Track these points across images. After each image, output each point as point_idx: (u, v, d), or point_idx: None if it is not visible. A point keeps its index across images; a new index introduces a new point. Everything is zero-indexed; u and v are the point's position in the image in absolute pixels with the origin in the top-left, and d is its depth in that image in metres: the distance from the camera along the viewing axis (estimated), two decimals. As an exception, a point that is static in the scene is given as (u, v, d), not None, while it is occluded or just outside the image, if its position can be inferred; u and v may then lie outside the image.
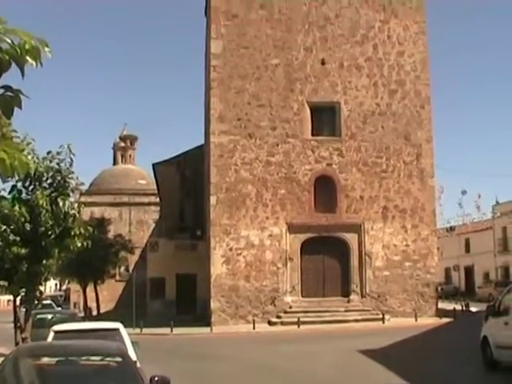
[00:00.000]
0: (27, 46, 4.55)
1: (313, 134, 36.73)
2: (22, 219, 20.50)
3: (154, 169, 50.41)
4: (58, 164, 21.81)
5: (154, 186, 58.14)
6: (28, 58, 4.60)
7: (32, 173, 19.88)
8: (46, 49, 4.74)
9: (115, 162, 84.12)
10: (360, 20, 37.79)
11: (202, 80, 46.19)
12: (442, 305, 39.65)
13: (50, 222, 21.34)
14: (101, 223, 50.01)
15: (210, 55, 37.17)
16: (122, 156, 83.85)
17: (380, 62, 37.61)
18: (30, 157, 21.05)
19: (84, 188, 28.78)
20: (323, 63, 37.02)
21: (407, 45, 38.02)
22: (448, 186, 72.72)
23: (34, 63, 4.67)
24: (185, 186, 48.13)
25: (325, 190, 36.17)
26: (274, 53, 36.88)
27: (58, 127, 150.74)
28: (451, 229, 71.05)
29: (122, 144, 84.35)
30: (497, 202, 68.89)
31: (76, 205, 22.59)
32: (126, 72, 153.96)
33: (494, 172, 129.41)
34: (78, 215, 22.45)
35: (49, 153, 21.94)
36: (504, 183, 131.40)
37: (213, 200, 35.73)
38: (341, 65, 37.17)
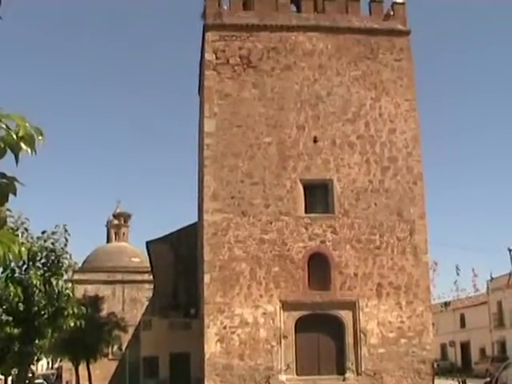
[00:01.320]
0: (21, 133, 4.61)
1: (306, 212, 36.83)
2: (16, 299, 20.41)
3: (147, 247, 50.35)
4: (52, 244, 21.84)
5: (148, 264, 57.96)
6: (23, 144, 4.66)
7: (26, 253, 19.83)
8: (40, 137, 4.80)
9: (109, 240, 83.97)
10: (351, 98, 38.28)
11: (195, 158, 46.52)
12: (439, 381, 39.31)
13: (44, 302, 21.27)
14: (94, 302, 49.68)
15: (204, 134, 37.50)
16: (115, 234, 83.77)
17: (372, 140, 37.95)
18: (23, 237, 21.10)
19: (77, 266, 28.75)
20: (315, 141, 37.37)
21: (398, 122, 38.42)
22: (442, 260, 72.68)
23: (29, 150, 4.73)
24: (178, 263, 48.04)
25: (318, 267, 36.11)
26: (267, 131, 37.26)
27: (51, 204, 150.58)
28: (446, 304, 70.84)
29: (116, 221, 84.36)
30: (491, 277, 68.75)
31: (69, 284, 22.54)
32: (119, 150, 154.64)
33: (487, 246, 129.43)
34: (71, 295, 22.38)
35: (43, 232, 22.00)
36: (497, 257, 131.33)
37: (206, 278, 35.59)
38: (333, 142, 37.51)
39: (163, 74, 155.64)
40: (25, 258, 18.95)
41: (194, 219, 46.64)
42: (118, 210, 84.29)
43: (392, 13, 39.92)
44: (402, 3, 40.26)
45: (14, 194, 4.82)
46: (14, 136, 4.58)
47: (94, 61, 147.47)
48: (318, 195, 37.48)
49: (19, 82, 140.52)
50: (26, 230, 21.00)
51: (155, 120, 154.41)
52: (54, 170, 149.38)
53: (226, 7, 39.35)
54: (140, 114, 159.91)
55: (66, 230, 21.85)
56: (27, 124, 4.68)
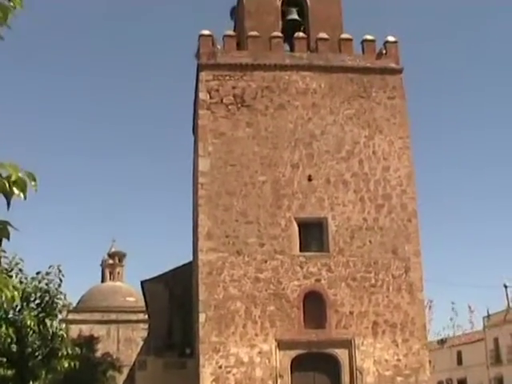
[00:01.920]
0: (14, 178, 4.63)
1: (301, 250, 36.79)
2: (9, 340, 20.30)
3: (142, 286, 50.15)
4: (46, 284, 21.79)
5: (143, 303, 57.74)
6: (15, 189, 4.69)
7: (19, 297, 19.78)
8: (33, 182, 4.82)
9: (103, 279, 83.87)
10: (345, 136, 38.43)
11: (189, 197, 46.51)
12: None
13: (37, 343, 21.18)
14: (89, 342, 49.38)
15: (198, 172, 37.56)
16: (110, 273, 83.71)
17: (366, 177, 38.03)
18: (17, 278, 21.07)
19: (72, 306, 28.62)
20: (310, 179, 37.45)
21: (392, 160, 38.54)
22: (438, 296, 72.60)
23: (21, 195, 4.75)
24: (173, 303, 47.81)
25: (314, 305, 35.98)
26: (261, 170, 37.35)
27: (46, 244, 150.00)
28: (443, 341, 70.63)
29: (111, 261, 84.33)
30: (488, 314, 68.63)
31: (64, 325, 22.45)
32: (115, 189, 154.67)
33: (483, 282, 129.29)
34: (65, 335, 22.28)
35: (38, 273, 21.96)
36: (493, 293, 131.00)
37: (201, 318, 35.43)
38: (327, 180, 37.60)
39: (157, 113, 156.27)
40: (18, 300, 18.91)
41: (189, 258, 46.53)
42: (112, 250, 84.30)
43: (384, 51, 40.22)
44: (395, 42, 40.59)
45: (8, 238, 4.84)
46: (7, 184, 4.61)
47: (89, 98, 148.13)
48: (312, 233, 37.46)
49: (10, 121, 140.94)
50: (21, 270, 20.98)
51: (150, 159, 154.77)
52: (48, 209, 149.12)
53: (219, 47, 39.65)
54: (134, 152, 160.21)
55: (60, 271, 21.83)
56: (20, 170, 4.71)
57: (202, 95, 38.45)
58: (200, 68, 39.02)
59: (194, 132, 43.15)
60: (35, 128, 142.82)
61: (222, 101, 38.31)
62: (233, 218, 36.77)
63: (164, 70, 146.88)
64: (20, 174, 4.76)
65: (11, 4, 5.89)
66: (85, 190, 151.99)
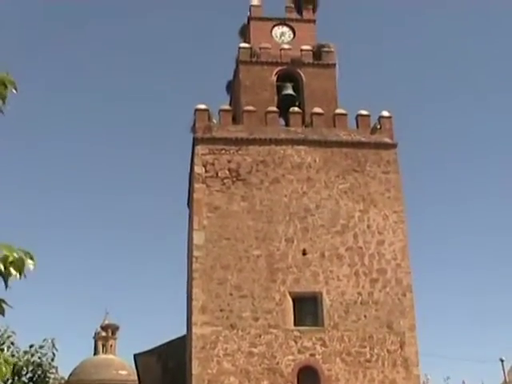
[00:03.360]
0: (11, 259, 4.66)
1: (295, 324, 36.52)
2: (-1, 415, 20.02)
3: (135, 359, 49.57)
4: (39, 358, 21.65)
5: (135, 377, 57.09)
6: (12, 269, 4.72)
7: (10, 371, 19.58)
8: (30, 261, 4.86)
9: (96, 352, 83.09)
10: (340, 210, 38.53)
11: (184, 270, 46.36)
12: None
13: (28, 418, 20.91)
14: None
15: (193, 246, 37.51)
16: (102, 346, 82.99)
17: (361, 251, 38.01)
18: (9, 351, 20.90)
19: (64, 379, 28.34)
20: (304, 253, 37.42)
21: (387, 234, 38.57)
22: (433, 371, 71.95)
23: (17, 275, 4.78)
24: (166, 377, 47.19)
25: (309, 380, 35.53)
26: (256, 244, 37.33)
27: (38, 315, 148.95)
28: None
29: (104, 333, 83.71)
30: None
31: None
32: (108, 262, 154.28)
33: (479, 356, 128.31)
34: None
35: (31, 346, 21.84)
36: (489, 367, 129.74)
37: (195, 393, 35.02)
38: (322, 255, 37.55)
39: (151, 186, 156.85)
40: (9, 375, 18.70)
41: (183, 331, 46.14)
42: (105, 322, 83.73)
43: (379, 126, 40.61)
44: (389, 117, 41.02)
45: (2, 314, 4.86)
46: (2, 266, 4.64)
47: (87, 172, 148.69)
48: (307, 308, 37.24)
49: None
50: (13, 343, 20.84)
51: (144, 232, 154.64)
52: (41, 281, 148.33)
53: (215, 121, 40.05)
54: (128, 226, 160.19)
55: (53, 345, 21.69)
56: (16, 249, 4.74)
57: (198, 169, 38.67)
58: (196, 142, 39.32)
59: (188, 205, 43.25)
60: (32, 202, 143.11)
61: (217, 175, 38.51)
62: (227, 292, 36.60)
63: (160, 144, 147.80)
64: (16, 254, 4.79)
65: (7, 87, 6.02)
66: (78, 262, 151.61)
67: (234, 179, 38.57)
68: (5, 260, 4.76)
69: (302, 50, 43.01)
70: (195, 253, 37.28)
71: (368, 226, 38.59)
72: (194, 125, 39.83)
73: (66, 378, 44.32)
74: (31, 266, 4.95)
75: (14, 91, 6.20)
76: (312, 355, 36.31)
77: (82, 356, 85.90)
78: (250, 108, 40.26)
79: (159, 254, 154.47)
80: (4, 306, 4.96)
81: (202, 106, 40.38)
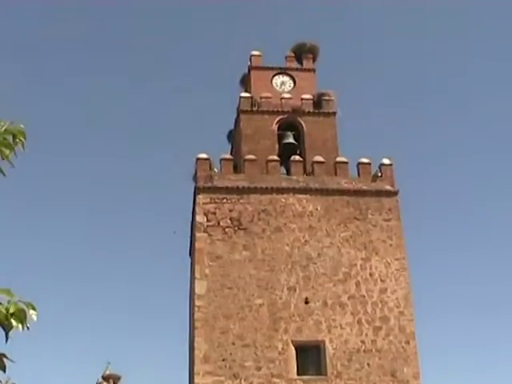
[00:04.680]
0: (12, 310, 4.64)
1: (298, 374, 36.21)
2: None
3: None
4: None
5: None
6: (13, 321, 4.69)
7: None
8: (33, 311, 4.84)
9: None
10: (342, 259, 38.45)
11: (186, 319, 46.13)
12: None
13: None
14: None
15: (195, 295, 37.38)
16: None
17: (363, 300, 37.84)
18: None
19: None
20: (307, 302, 37.27)
21: (389, 281, 38.43)
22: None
23: (20, 327, 4.75)
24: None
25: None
26: (258, 292, 37.21)
27: (39, 366, 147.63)
28: None
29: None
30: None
31: None
32: (110, 312, 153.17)
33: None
34: None
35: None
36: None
37: None
38: (324, 303, 37.39)
39: (154, 235, 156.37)
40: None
41: (185, 382, 45.78)
42: (107, 372, 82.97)
43: (380, 174, 40.70)
44: (390, 164, 41.13)
45: (4, 370, 4.83)
46: (5, 310, 4.61)
47: (85, 220, 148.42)
48: (310, 357, 36.97)
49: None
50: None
51: (145, 283, 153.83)
52: (43, 333, 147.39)
53: (216, 170, 40.19)
54: (130, 276, 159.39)
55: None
56: (18, 299, 4.72)
57: (199, 218, 38.71)
58: (197, 191, 39.42)
59: (190, 254, 43.19)
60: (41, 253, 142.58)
61: (218, 223, 38.55)
62: (229, 341, 36.39)
63: (160, 194, 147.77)
64: (17, 302, 4.76)
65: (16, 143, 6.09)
66: (80, 312, 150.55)
67: (236, 228, 38.58)
68: (7, 311, 4.73)
69: (302, 99, 43.29)
70: (197, 302, 37.15)
71: (370, 274, 38.47)
72: (196, 174, 39.96)
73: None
74: (34, 317, 4.92)
75: (22, 148, 6.26)
76: (315, 405, 36.01)
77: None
78: (251, 157, 40.42)
79: (161, 305, 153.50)
80: (5, 360, 4.93)
81: (203, 155, 40.56)
